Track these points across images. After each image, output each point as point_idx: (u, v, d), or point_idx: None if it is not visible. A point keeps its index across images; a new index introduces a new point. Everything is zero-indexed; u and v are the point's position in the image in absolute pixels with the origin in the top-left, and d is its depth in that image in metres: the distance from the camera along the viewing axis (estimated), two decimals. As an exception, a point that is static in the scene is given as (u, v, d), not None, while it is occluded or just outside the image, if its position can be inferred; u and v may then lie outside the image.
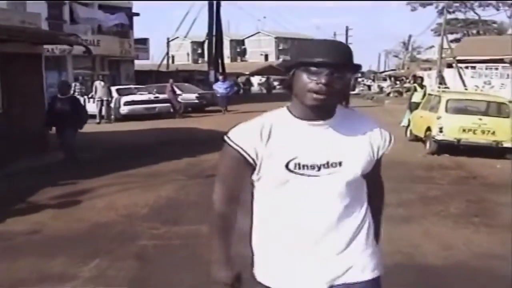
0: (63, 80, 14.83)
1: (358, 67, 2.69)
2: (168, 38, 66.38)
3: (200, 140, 17.22)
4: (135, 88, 31.41)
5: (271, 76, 65.19)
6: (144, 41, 48.34)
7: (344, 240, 2.66)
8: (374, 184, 2.81)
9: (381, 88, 61.21)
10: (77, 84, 28.07)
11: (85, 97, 26.66)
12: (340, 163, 2.60)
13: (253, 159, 2.62)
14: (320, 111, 2.58)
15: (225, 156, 2.69)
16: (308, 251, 2.64)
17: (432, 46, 77.33)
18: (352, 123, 2.67)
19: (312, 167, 2.59)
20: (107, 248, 7.29)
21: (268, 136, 2.61)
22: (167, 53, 62.36)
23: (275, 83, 63.05)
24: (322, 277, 2.65)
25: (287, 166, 2.58)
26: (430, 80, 44.60)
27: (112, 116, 27.28)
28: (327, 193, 2.60)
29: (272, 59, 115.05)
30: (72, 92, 26.64)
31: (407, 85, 56.74)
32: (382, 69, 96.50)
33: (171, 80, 30.27)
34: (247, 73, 67.77)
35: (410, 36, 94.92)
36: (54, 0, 34.09)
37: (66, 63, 34.61)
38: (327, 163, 2.59)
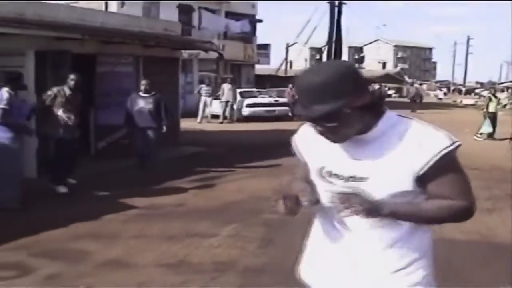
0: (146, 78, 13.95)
1: (353, 92, 2.43)
2: (287, 44, 67.94)
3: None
4: (257, 91, 33.31)
5: (386, 85, 65.39)
6: (265, 47, 50.26)
7: (369, 256, 2.62)
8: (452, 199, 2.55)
9: (498, 100, 60.44)
10: (204, 86, 30.11)
11: (211, 98, 28.84)
12: (365, 179, 2.52)
13: (301, 157, 2.86)
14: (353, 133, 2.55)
15: None
16: (334, 258, 2.71)
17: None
18: (390, 138, 2.51)
19: (340, 177, 2.59)
20: (239, 218, 9.13)
21: (312, 142, 2.71)
22: (286, 59, 63.74)
23: (390, 92, 63.13)
24: (341, 286, 2.70)
25: (320, 171, 2.68)
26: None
27: (234, 117, 29.32)
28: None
29: (389, 67, 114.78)
30: (201, 92, 29.13)
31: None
32: (503, 81, 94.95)
33: (290, 85, 31.87)
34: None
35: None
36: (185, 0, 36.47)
37: (193, 66, 37.01)
38: (354, 176, 2.55)
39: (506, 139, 21.06)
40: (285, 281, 6.16)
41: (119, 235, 8.16)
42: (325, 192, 2.65)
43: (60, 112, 10.39)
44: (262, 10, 53.76)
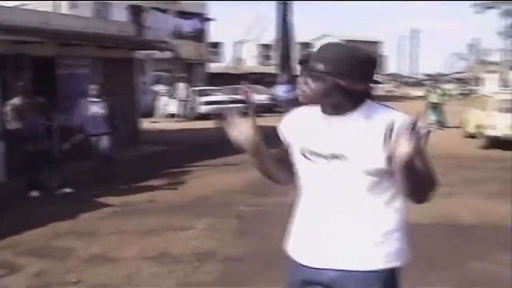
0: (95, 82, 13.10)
1: (343, 74, 2.68)
2: (237, 41, 68.33)
3: (268, 135, 19.28)
4: (212, 89, 33.62)
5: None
6: (217, 45, 50.64)
7: (349, 228, 2.75)
8: None
9: (446, 90, 61.53)
10: (162, 85, 30.36)
11: (168, 97, 29.10)
12: (344, 157, 2.71)
13: (285, 140, 3.03)
14: (327, 107, 2.78)
15: None
16: (315, 231, 2.83)
17: (500, 49, 77.17)
18: (368, 118, 2.73)
19: (320, 155, 2.78)
20: (212, 211, 9.46)
21: (295, 125, 2.96)
22: (236, 56, 64.12)
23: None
24: (320, 257, 2.81)
25: (301, 150, 2.87)
26: (493, 83, 45.57)
27: (191, 115, 29.58)
28: (331, 183, 2.75)
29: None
30: (159, 92, 29.37)
31: (471, 87, 57.80)
32: (450, 72, 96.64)
33: (245, 82, 32.28)
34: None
35: (476, 39, 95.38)
36: None
37: (147, 66, 37.07)
38: (333, 154, 2.73)
39: (455, 127, 21.86)
40: (265, 268, 6.56)
41: (99, 232, 8.43)
42: (308, 171, 2.85)
43: (14, 124, 10.57)
44: (213, 9, 53.81)
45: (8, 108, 10.62)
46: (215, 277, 6.47)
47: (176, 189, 11.47)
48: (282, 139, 3.05)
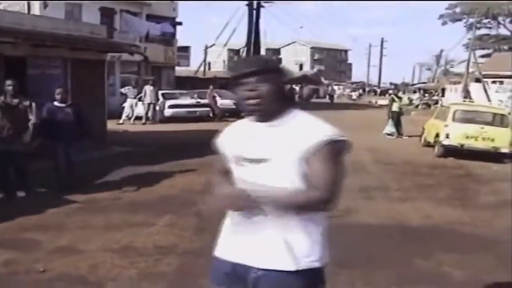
0: (61, 85, 12.62)
1: (277, 70, 3.07)
2: (206, 46, 68.70)
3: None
4: (179, 93, 33.88)
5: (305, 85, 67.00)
6: (186, 49, 50.91)
7: (271, 229, 2.99)
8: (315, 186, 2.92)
9: (410, 100, 62.39)
10: (130, 87, 30.63)
11: (136, 99, 29.38)
12: (269, 159, 2.97)
13: (222, 152, 3.29)
14: (261, 114, 3.04)
15: None
16: (243, 231, 3.08)
17: (464, 61, 78.46)
18: (291, 124, 3.01)
19: (249, 160, 3.05)
20: (174, 209, 9.87)
21: (230, 136, 3.26)
22: (204, 60, 64.33)
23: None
24: (247, 255, 3.06)
25: (234, 157, 3.15)
26: (456, 94, 46.47)
27: (157, 118, 29.86)
28: (259, 184, 2.98)
29: (306, 68, 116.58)
30: (127, 94, 29.60)
31: (435, 97, 58.75)
32: (415, 82, 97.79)
33: (211, 87, 32.53)
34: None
35: (441, 51, 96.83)
36: None
37: (115, 68, 37.27)
38: (259, 158, 3.00)
39: (415, 136, 22.52)
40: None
41: (65, 226, 8.80)
42: (239, 175, 3.12)
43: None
44: (181, 12, 53.83)
45: None
46: (175, 269, 6.92)
47: (140, 188, 11.84)
48: (220, 152, 3.31)
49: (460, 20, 71.09)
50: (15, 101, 10.51)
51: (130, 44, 21.57)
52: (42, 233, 8.39)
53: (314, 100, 70.27)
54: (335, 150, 2.93)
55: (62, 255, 7.37)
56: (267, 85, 2.95)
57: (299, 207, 2.96)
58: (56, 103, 11.49)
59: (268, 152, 2.98)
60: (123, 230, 8.59)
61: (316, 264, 3.01)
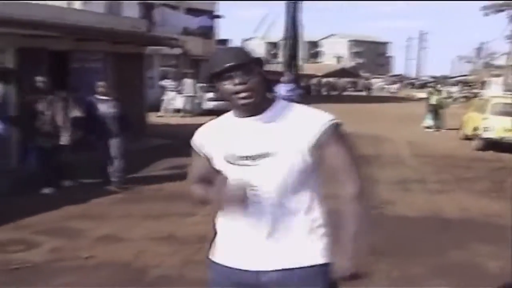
0: (103, 79, 12.43)
1: (259, 60, 2.86)
2: (243, 39, 68.85)
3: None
4: (218, 86, 34.11)
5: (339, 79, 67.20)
6: (224, 42, 51.12)
7: (282, 226, 2.80)
8: (340, 172, 2.83)
9: (450, 94, 61.67)
10: (169, 80, 31.00)
11: (175, 92, 29.73)
12: (273, 153, 2.76)
13: (203, 153, 3.02)
14: (252, 108, 2.80)
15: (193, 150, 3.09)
16: (247, 233, 2.84)
17: (506, 53, 77.13)
18: (286, 115, 2.84)
19: (245, 157, 2.80)
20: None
21: (214, 135, 2.98)
22: (243, 53, 64.26)
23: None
24: (257, 259, 2.83)
25: (225, 158, 2.86)
26: (497, 86, 45.95)
27: (197, 111, 30.12)
28: (263, 181, 2.77)
29: (345, 61, 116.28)
30: (166, 87, 29.95)
31: (475, 90, 58.09)
32: (455, 75, 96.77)
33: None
34: (319, 74, 69.74)
35: (482, 43, 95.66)
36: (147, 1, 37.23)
37: (154, 61, 37.65)
38: (262, 154, 2.78)
39: (454, 129, 22.43)
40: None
41: (108, 215, 9.09)
42: (235, 176, 2.79)
43: (40, 119, 10.42)
44: (221, 6, 53.89)
45: (26, 100, 10.74)
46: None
47: (181, 179, 12.05)
48: (199, 153, 3.05)
49: (503, 10, 70.08)
50: (52, 96, 10.55)
51: (170, 38, 21.79)
52: (86, 221, 8.69)
53: (352, 93, 70.63)
54: (342, 132, 2.83)
55: (106, 243, 7.64)
56: (254, 76, 2.77)
57: (366, 217, 2.81)
58: (98, 97, 11.24)
59: (272, 145, 2.78)
60: (165, 219, 8.85)
61: (326, 260, 2.84)
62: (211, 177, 2.90)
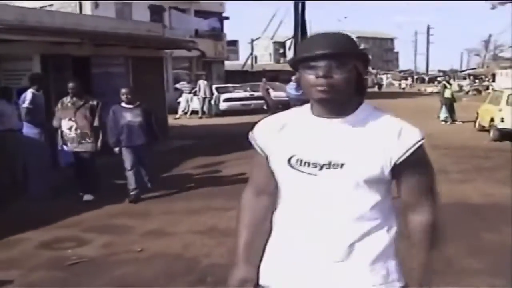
0: (127, 85, 12.46)
1: (362, 55, 2.50)
2: (252, 39, 69.07)
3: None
4: (232, 86, 34.55)
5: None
6: (234, 43, 51.57)
7: (344, 249, 2.43)
8: (415, 196, 2.54)
9: (460, 87, 61.66)
10: (185, 83, 31.54)
11: (191, 94, 30.23)
12: (342, 165, 2.40)
13: (263, 152, 2.64)
14: (330, 106, 2.44)
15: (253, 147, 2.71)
16: (306, 256, 2.48)
17: (514, 45, 77.08)
18: (370, 123, 2.46)
19: (314, 165, 2.43)
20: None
21: (279, 132, 2.58)
22: (251, 54, 64.77)
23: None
24: (318, 281, 2.47)
25: (289, 161, 2.48)
26: (507, 78, 46.11)
27: (212, 112, 30.63)
28: (326, 195, 2.43)
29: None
30: (182, 89, 30.42)
31: (485, 83, 58.30)
32: (464, 68, 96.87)
33: (264, 79, 32.92)
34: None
35: (490, 35, 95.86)
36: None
37: (167, 64, 38.07)
38: (329, 163, 2.41)
39: (469, 121, 22.83)
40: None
41: (150, 212, 9.57)
42: (296, 183, 2.50)
43: (63, 124, 10.49)
44: (228, 7, 54.08)
45: (58, 106, 10.72)
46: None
47: (212, 177, 12.53)
48: (261, 153, 2.68)
49: (510, 1, 69.90)
50: (80, 102, 10.53)
51: (187, 40, 22.36)
52: (130, 219, 9.17)
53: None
54: (425, 153, 2.54)
55: (154, 237, 8.10)
56: (345, 72, 2.36)
57: (436, 248, 2.68)
58: (123, 104, 10.62)
59: (347, 155, 2.41)
60: (206, 214, 9.31)
61: (401, 283, 2.55)
62: (270, 190, 2.73)
